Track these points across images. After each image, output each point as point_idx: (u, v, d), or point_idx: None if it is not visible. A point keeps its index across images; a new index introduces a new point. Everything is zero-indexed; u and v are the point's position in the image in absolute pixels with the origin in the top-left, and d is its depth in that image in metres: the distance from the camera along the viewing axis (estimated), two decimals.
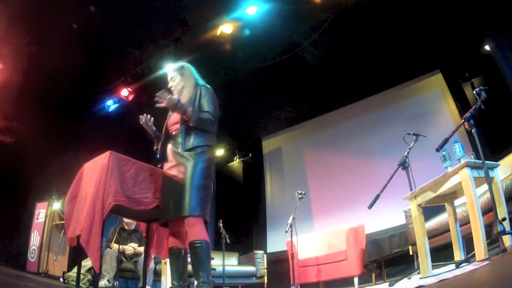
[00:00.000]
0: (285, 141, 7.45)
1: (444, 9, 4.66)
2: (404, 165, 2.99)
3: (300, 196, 4.31)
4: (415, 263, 3.55)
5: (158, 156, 2.60)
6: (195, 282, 2.24)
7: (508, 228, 2.17)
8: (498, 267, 1.86)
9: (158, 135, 2.70)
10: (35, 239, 5.22)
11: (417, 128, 3.54)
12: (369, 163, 5.85)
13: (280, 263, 5.44)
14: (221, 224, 4.49)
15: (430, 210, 3.10)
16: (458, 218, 2.93)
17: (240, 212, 7.09)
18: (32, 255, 5.12)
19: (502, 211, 2.33)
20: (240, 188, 7.65)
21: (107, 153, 2.41)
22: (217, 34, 5.16)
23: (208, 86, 2.66)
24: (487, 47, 4.88)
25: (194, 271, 2.26)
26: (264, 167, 7.51)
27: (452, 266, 2.60)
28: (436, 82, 5.71)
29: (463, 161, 2.43)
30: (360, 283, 4.20)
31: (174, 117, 2.61)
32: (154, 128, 2.71)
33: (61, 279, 4.47)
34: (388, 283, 3.01)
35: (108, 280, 3.87)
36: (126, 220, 4.41)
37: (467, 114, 2.51)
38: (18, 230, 5.37)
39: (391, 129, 5.68)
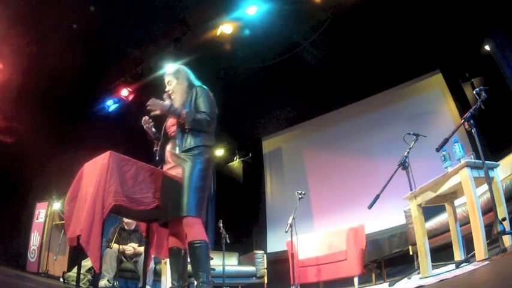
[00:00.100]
0: (285, 141, 7.45)
1: (444, 9, 4.66)
2: (404, 165, 2.99)
3: (300, 196, 4.31)
4: (415, 263, 3.55)
5: (157, 158, 2.61)
6: (195, 282, 2.25)
7: (508, 228, 2.17)
8: (498, 267, 1.86)
9: (158, 137, 2.70)
10: (35, 239, 5.22)
11: (417, 128, 3.54)
12: (369, 163, 5.85)
13: (280, 263, 5.44)
14: (221, 224, 4.49)
15: (430, 210, 3.10)
16: (458, 218, 2.93)
17: (240, 212, 7.09)
18: (32, 255, 5.12)
19: (502, 211, 2.33)
20: (240, 188, 7.65)
21: (107, 153, 2.41)
22: (217, 34, 5.16)
23: (205, 86, 2.67)
24: (487, 47, 4.88)
25: (194, 271, 2.27)
26: (264, 167, 7.51)
27: (452, 266, 2.60)
28: (436, 82, 5.71)
29: (463, 161, 2.43)
30: (360, 283, 4.20)
31: (171, 119, 2.62)
32: (154, 130, 2.71)
33: (61, 279, 4.47)
34: (388, 283, 3.01)
35: (108, 280, 3.87)
36: (126, 220, 4.41)
37: (467, 114, 2.51)
38: (18, 230, 5.37)
39: (391, 129, 5.68)
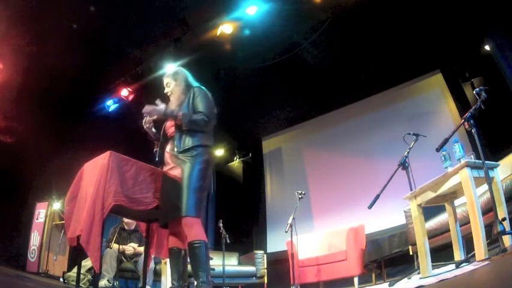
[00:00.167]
0: (285, 141, 7.45)
1: (444, 10, 4.66)
2: (404, 165, 3.00)
3: (300, 196, 4.31)
4: (415, 263, 3.55)
5: (157, 159, 2.62)
6: (195, 282, 2.25)
7: (508, 228, 2.17)
8: (498, 267, 1.86)
9: (158, 137, 2.71)
10: (35, 239, 5.22)
11: (417, 128, 3.54)
12: (369, 163, 5.85)
13: (280, 263, 5.43)
14: (221, 224, 4.49)
15: (430, 210, 3.10)
16: (458, 218, 2.93)
17: (240, 212, 7.09)
18: (32, 255, 5.12)
19: (502, 211, 2.33)
20: (240, 188, 7.65)
21: (107, 153, 2.42)
22: (217, 34, 5.16)
23: (203, 87, 2.69)
24: (487, 47, 4.88)
25: (193, 271, 2.27)
26: (264, 167, 7.51)
27: (452, 266, 2.60)
28: (436, 82, 5.70)
29: (463, 161, 2.43)
30: (360, 283, 4.20)
31: (171, 120, 2.63)
32: (154, 130, 2.72)
33: (61, 279, 4.47)
34: (388, 283, 3.01)
35: (108, 280, 3.87)
36: (126, 220, 4.41)
37: (467, 114, 2.51)
38: (18, 230, 5.37)
39: (391, 129, 5.68)
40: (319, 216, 6.21)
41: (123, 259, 4.21)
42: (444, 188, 2.60)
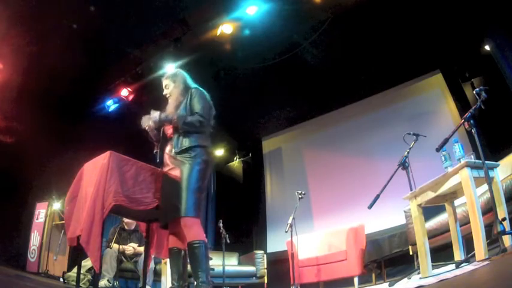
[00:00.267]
0: (285, 141, 7.45)
1: (444, 9, 4.66)
2: (404, 165, 3.00)
3: (300, 196, 4.31)
4: (415, 263, 3.55)
5: (158, 160, 2.63)
6: (195, 283, 2.25)
7: (508, 228, 2.17)
8: (498, 267, 1.86)
9: (159, 139, 2.72)
10: (35, 239, 5.22)
11: (417, 128, 3.54)
12: (369, 163, 5.85)
13: (280, 263, 5.43)
14: (221, 224, 4.49)
15: (430, 210, 3.10)
16: (458, 218, 2.93)
17: (240, 212, 7.09)
18: (32, 255, 5.12)
19: (502, 211, 2.33)
20: (240, 188, 7.65)
21: (107, 153, 2.42)
22: (217, 34, 5.16)
23: (201, 88, 2.72)
24: (487, 47, 4.88)
25: (193, 271, 2.28)
26: (264, 167, 7.51)
27: (452, 266, 2.60)
28: (436, 82, 5.70)
29: (463, 161, 2.43)
30: (360, 283, 4.20)
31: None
32: (156, 132, 2.73)
33: (61, 279, 4.47)
34: (388, 283, 3.01)
35: (108, 280, 3.87)
36: (126, 220, 4.41)
37: (467, 114, 2.51)
38: (18, 230, 5.37)
39: (391, 129, 5.68)
40: (319, 216, 6.21)
41: (123, 259, 4.21)
42: (444, 188, 2.60)
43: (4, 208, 4.85)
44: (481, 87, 2.59)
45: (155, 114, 2.55)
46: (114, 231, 4.38)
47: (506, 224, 2.18)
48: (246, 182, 7.68)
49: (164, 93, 2.76)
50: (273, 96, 6.41)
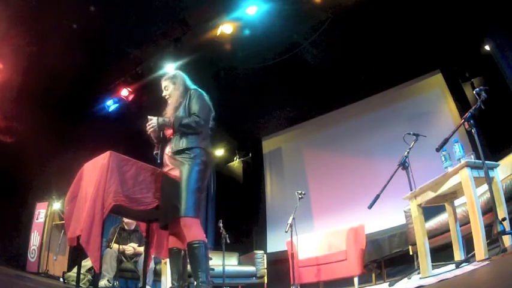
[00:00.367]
0: (285, 141, 7.45)
1: (444, 9, 4.66)
2: (404, 165, 2.99)
3: (300, 196, 4.31)
4: (415, 263, 3.55)
5: (159, 161, 2.64)
6: (195, 283, 2.25)
7: (508, 228, 2.17)
8: (498, 267, 1.86)
9: (160, 140, 2.73)
10: (35, 239, 5.22)
11: (417, 128, 3.54)
12: (369, 163, 5.85)
13: (280, 263, 5.43)
14: (221, 224, 4.49)
15: (430, 210, 3.10)
16: (458, 218, 2.93)
17: (240, 212, 7.09)
18: (32, 255, 5.12)
19: (502, 211, 2.33)
20: (240, 188, 7.65)
21: (107, 153, 2.42)
22: (217, 34, 5.16)
23: (200, 89, 2.73)
24: (487, 47, 4.88)
25: (193, 271, 2.28)
26: (264, 167, 7.51)
27: (452, 266, 2.60)
28: (436, 82, 5.70)
29: (463, 161, 2.43)
30: (360, 283, 4.20)
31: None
32: (157, 133, 2.74)
33: (61, 279, 4.47)
34: (388, 283, 3.01)
35: (108, 280, 3.87)
36: (126, 220, 4.41)
37: (467, 114, 2.51)
38: (18, 230, 5.37)
39: (391, 129, 5.67)
40: (319, 216, 6.21)
41: (123, 259, 4.21)
42: (444, 188, 2.60)
43: (4, 208, 4.84)
44: (481, 87, 2.59)
45: (154, 120, 2.58)
46: (114, 231, 4.38)
47: (506, 224, 2.18)
48: (246, 182, 7.68)
49: (163, 94, 2.78)
50: (273, 96, 6.41)
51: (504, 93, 4.36)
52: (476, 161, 2.42)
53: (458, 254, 2.81)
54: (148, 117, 2.63)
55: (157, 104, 2.82)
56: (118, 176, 2.37)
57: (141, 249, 4.14)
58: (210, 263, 2.46)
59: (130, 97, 6.21)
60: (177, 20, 5.18)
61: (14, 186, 5.16)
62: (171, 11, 4.99)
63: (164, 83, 2.78)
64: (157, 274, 4.45)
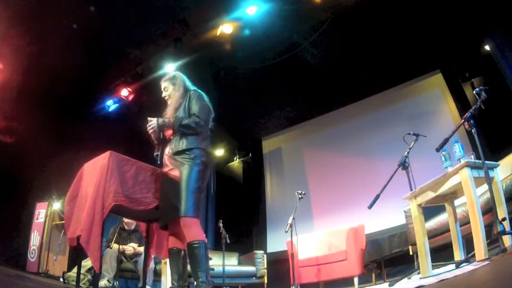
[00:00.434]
0: (285, 141, 7.45)
1: (444, 10, 4.66)
2: (404, 165, 2.99)
3: (300, 196, 4.31)
4: (415, 263, 3.54)
5: (159, 162, 2.65)
6: (195, 283, 2.26)
7: (508, 228, 2.17)
8: (498, 267, 1.86)
9: (161, 140, 2.73)
10: (35, 239, 5.22)
11: (417, 128, 3.54)
12: (369, 163, 5.85)
13: (280, 263, 5.43)
14: (221, 224, 4.49)
15: (430, 210, 3.10)
16: (458, 218, 2.93)
17: (240, 212, 7.09)
18: (32, 255, 5.11)
19: (502, 211, 2.33)
20: (240, 188, 7.65)
21: (107, 153, 2.42)
22: (217, 34, 5.16)
23: (200, 90, 2.75)
24: (487, 47, 4.88)
25: (193, 271, 2.29)
26: (264, 167, 7.51)
27: (452, 266, 2.60)
28: (436, 82, 5.70)
29: (463, 161, 2.43)
30: (360, 283, 4.20)
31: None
32: (157, 134, 2.74)
33: (61, 279, 4.47)
34: (388, 283, 3.01)
35: (108, 280, 3.87)
36: (126, 220, 4.41)
37: (467, 114, 2.51)
38: (18, 230, 5.36)
39: (391, 129, 5.67)
40: (319, 216, 6.21)
41: (123, 259, 4.21)
42: (444, 188, 2.60)
43: (4, 208, 4.84)
44: (481, 87, 2.59)
45: (153, 122, 2.59)
46: (114, 231, 4.38)
47: (506, 224, 2.18)
48: (246, 182, 7.68)
49: (163, 95, 2.79)
50: (273, 96, 6.41)
51: (504, 93, 4.36)
52: (476, 161, 2.42)
53: (458, 254, 2.81)
54: (148, 118, 2.64)
55: (157, 104, 2.82)
56: (118, 176, 2.37)
57: (141, 249, 4.14)
58: (210, 263, 2.47)
59: (131, 97, 6.21)
60: (177, 20, 5.19)
61: (14, 186, 5.16)
62: (171, 11, 5.00)
63: (164, 84, 2.79)
64: (157, 274, 4.45)
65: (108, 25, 4.93)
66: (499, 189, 2.46)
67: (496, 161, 2.64)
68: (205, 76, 5.59)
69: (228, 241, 4.44)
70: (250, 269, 5.09)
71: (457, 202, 2.97)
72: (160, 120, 2.60)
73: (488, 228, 2.32)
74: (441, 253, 3.22)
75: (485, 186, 2.47)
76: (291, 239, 4.13)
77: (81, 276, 3.65)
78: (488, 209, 2.58)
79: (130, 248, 4.31)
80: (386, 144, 5.57)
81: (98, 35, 4.95)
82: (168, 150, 2.59)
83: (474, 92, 2.63)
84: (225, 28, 5.10)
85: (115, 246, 4.20)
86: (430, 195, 2.73)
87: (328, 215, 6.03)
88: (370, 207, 2.78)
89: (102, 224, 2.26)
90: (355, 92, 6.30)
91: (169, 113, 2.66)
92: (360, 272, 4.20)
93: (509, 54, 4.47)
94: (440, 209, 3.22)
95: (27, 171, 5.11)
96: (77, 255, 3.40)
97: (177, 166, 2.46)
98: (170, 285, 2.43)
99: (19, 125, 5.25)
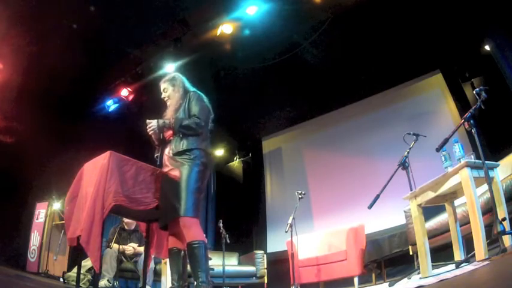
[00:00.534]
0: (285, 141, 7.45)
1: (444, 10, 4.66)
2: (404, 165, 2.99)
3: (300, 196, 4.31)
4: (415, 263, 3.54)
5: (158, 163, 2.65)
6: (195, 283, 2.26)
7: (508, 228, 2.17)
8: (498, 267, 1.86)
9: (161, 141, 2.73)
10: (35, 239, 5.22)
11: (417, 128, 3.54)
12: (369, 163, 5.85)
13: (280, 263, 5.43)
14: (221, 224, 4.49)
15: (430, 210, 3.10)
16: (458, 218, 2.93)
17: (240, 212, 7.09)
18: (32, 255, 5.12)
19: (502, 211, 2.33)
20: (240, 188, 7.65)
21: (107, 153, 2.42)
22: (217, 34, 5.16)
23: (199, 91, 2.75)
24: (487, 47, 4.87)
25: (193, 271, 2.29)
26: (264, 167, 7.51)
27: (452, 266, 2.60)
28: (436, 82, 5.70)
29: (463, 161, 2.43)
30: (360, 283, 4.20)
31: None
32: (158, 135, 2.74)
33: (61, 279, 4.47)
34: (388, 283, 3.01)
35: (108, 280, 3.87)
36: (126, 220, 4.41)
37: (467, 114, 2.51)
38: (18, 230, 5.36)
39: (391, 129, 5.67)
40: (319, 216, 6.21)
41: (123, 259, 4.21)
42: (444, 188, 2.60)
43: (4, 208, 4.84)
44: (481, 87, 2.59)
45: (154, 122, 2.60)
46: (114, 231, 4.38)
47: (506, 224, 2.18)
48: (246, 182, 7.68)
49: (162, 96, 2.80)
50: (273, 96, 6.41)
51: (504, 93, 4.36)
52: (476, 161, 2.42)
53: (458, 254, 2.81)
54: (147, 120, 2.64)
55: (157, 104, 2.83)
56: (118, 176, 2.37)
57: (141, 249, 4.14)
58: (210, 263, 2.47)
59: (131, 97, 6.21)
60: (177, 20, 5.19)
61: (14, 186, 5.16)
62: (171, 11, 5.00)
63: (163, 85, 2.80)
64: (157, 274, 4.45)
65: (108, 25, 4.93)
66: (499, 189, 2.46)
67: (496, 161, 2.65)
68: (205, 76, 5.59)
69: (228, 241, 4.45)
70: (250, 269, 5.09)
71: (457, 202, 2.97)
72: (161, 121, 2.61)
73: (488, 228, 2.32)
74: (441, 253, 3.22)
75: (485, 186, 2.47)
76: (291, 239, 4.13)
77: (81, 276, 3.65)
78: (488, 209, 2.58)
79: (130, 248, 4.31)
80: (386, 144, 5.57)
81: (98, 35, 4.95)
82: (168, 150, 2.59)
83: (474, 92, 2.63)
84: (225, 28, 5.10)
85: (115, 246, 4.20)
86: (430, 195, 2.73)
87: (328, 215, 6.03)
88: (370, 207, 2.78)
89: (102, 224, 2.26)
90: (355, 92, 6.30)
91: (169, 114, 2.67)
92: (359, 272, 4.20)
93: (509, 54, 4.47)
94: (440, 209, 3.22)
95: (27, 171, 5.11)
96: (77, 255, 3.40)
97: (177, 166, 2.47)
98: (170, 285, 2.43)
99: (19, 125, 5.25)
